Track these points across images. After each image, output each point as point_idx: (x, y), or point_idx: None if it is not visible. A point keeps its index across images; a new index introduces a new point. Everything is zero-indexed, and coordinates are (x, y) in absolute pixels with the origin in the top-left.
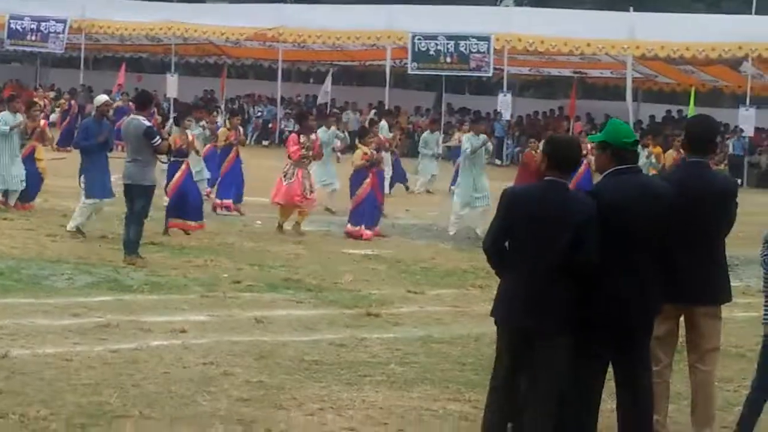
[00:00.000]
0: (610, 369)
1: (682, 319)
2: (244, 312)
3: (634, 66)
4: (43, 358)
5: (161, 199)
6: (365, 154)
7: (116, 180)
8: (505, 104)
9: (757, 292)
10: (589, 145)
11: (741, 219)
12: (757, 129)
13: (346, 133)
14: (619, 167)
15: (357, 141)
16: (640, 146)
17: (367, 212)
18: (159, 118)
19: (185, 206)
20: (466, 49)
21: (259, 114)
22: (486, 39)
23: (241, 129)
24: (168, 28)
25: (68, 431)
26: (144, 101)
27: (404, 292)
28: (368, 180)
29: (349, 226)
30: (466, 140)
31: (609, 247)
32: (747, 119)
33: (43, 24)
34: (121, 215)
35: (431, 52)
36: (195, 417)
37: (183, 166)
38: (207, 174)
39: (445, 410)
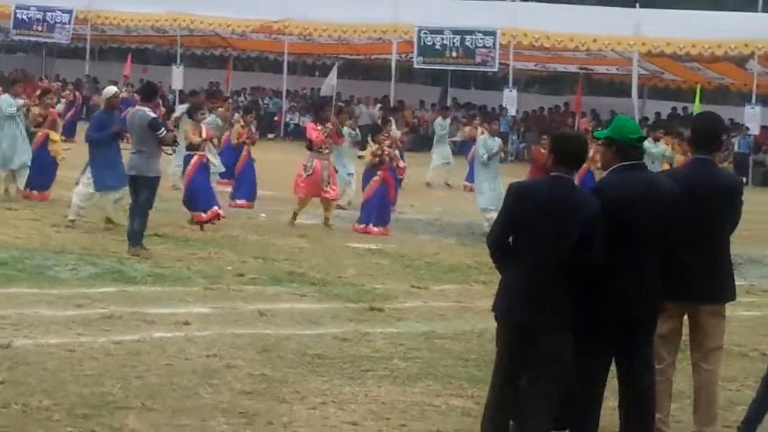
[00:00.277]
0: (613, 367)
1: (685, 317)
2: (247, 305)
3: (640, 62)
4: (46, 349)
5: (166, 191)
6: (375, 151)
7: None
8: (510, 100)
9: (761, 291)
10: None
11: (746, 217)
12: (762, 127)
13: (358, 130)
14: (624, 163)
15: (369, 138)
16: (652, 139)
17: (375, 209)
18: (164, 110)
19: (199, 199)
20: (472, 44)
21: (265, 107)
22: (492, 34)
23: (254, 128)
24: (174, 19)
25: (70, 421)
26: (149, 93)
27: (408, 287)
28: (377, 178)
29: (356, 224)
30: (482, 145)
31: (613, 244)
32: (753, 117)
33: (49, 14)
34: (126, 206)
35: (437, 47)
36: (197, 409)
37: (194, 159)
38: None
39: (447, 406)
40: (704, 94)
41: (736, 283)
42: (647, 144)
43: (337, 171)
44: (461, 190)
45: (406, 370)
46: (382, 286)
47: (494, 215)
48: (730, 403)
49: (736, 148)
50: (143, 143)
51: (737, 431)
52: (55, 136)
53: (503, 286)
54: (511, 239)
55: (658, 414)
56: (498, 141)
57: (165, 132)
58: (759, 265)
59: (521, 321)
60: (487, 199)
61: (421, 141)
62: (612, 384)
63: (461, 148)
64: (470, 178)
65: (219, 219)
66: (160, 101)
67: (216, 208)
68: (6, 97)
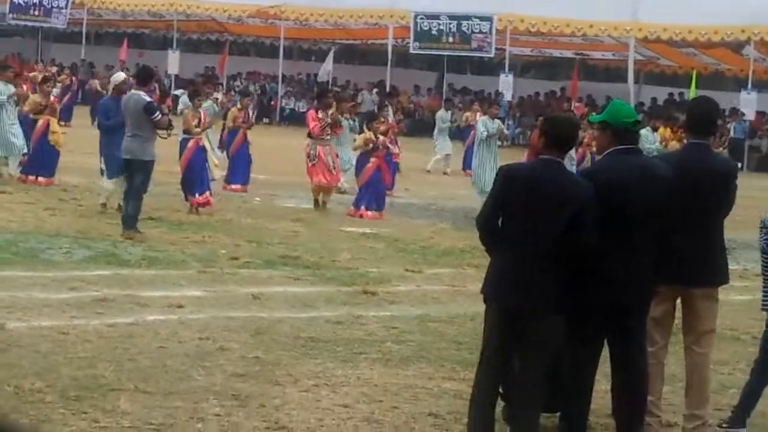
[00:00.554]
0: (605, 350)
1: (678, 301)
2: (241, 288)
3: (636, 48)
4: (40, 331)
5: (161, 175)
6: (368, 139)
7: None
8: (506, 85)
9: (753, 275)
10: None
11: (740, 202)
12: (758, 113)
13: (356, 120)
14: (619, 147)
15: (364, 125)
16: (649, 129)
17: (369, 194)
18: (159, 94)
19: (196, 183)
20: (468, 29)
21: (259, 91)
22: (488, 19)
23: (251, 112)
24: (170, 4)
25: (63, 403)
26: (145, 77)
27: (402, 270)
28: (370, 164)
29: (351, 208)
30: (482, 124)
31: (606, 227)
32: (748, 103)
33: None
34: (120, 190)
35: (433, 32)
36: (190, 391)
37: (191, 143)
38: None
39: (440, 388)
40: (700, 79)
41: (730, 267)
42: (645, 133)
43: (338, 156)
44: (458, 176)
45: (399, 353)
46: (375, 270)
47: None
48: (722, 387)
49: (731, 133)
50: (138, 127)
51: (731, 414)
52: (55, 125)
53: (492, 270)
54: (500, 222)
55: (650, 397)
56: (497, 123)
57: (160, 116)
58: (752, 250)
59: (509, 305)
60: (489, 181)
61: (416, 126)
62: (604, 367)
63: (460, 134)
64: (467, 164)
65: (209, 206)
66: (156, 86)
67: (208, 194)
68: None
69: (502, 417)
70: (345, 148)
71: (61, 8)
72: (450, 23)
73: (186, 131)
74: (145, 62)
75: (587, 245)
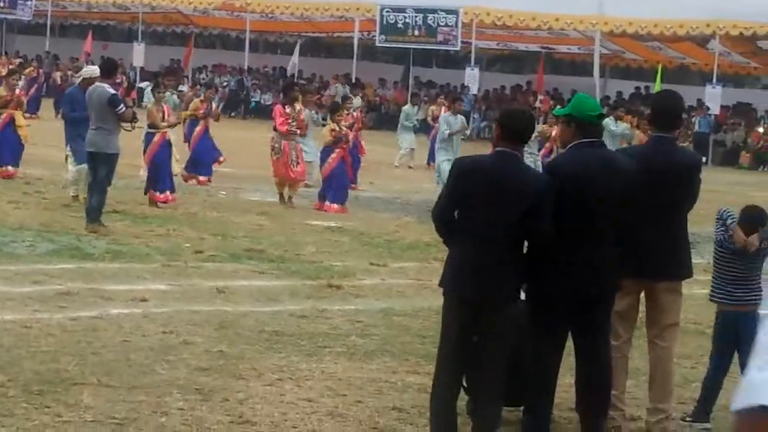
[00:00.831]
0: (570, 344)
1: (642, 294)
2: (205, 282)
3: (602, 42)
4: (2, 325)
5: (125, 168)
6: (333, 130)
7: None
8: (472, 78)
9: None
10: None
11: (705, 196)
12: (723, 107)
13: (320, 115)
14: (582, 140)
15: (329, 117)
16: (612, 118)
17: (333, 187)
18: (126, 85)
19: (160, 178)
20: (434, 22)
21: (225, 84)
22: (454, 12)
23: (214, 104)
24: None
25: (26, 398)
26: (109, 69)
27: (367, 264)
28: (334, 156)
29: (316, 202)
30: (444, 121)
31: (570, 219)
32: (713, 97)
33: None
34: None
35: (399, 25)
36: (153, 385)
37: (157, 137)
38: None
39: (404, 382)
40: (665, 73)
41: (694, 261)
42: (608, 122)
43: (304, 151)
44: (423, 170)
45: (363, 347)
46: (340, 264)
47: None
48: (685, 380)
49: (696, 127)
50: (103, 120)
51: (694, 408)
52: (20, 120)
53: (450, 262)
54: (457, 214)
55: (613, 390)
56: (460, 119)
57: (124, 108)
58: None
59: (468, 296)
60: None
61: (381, 119)
62: (569, 361)
63: (424, 128)
64: (432, 157)
65: (170, 202)
66: (123, 78)
67: (168, 193)
68: None
69: (466, 411)
70: (308, 140)
71: (27, 0)
72: (416, 16)
73: (151, 125)
74: (109, 55)
75: (545, 234)
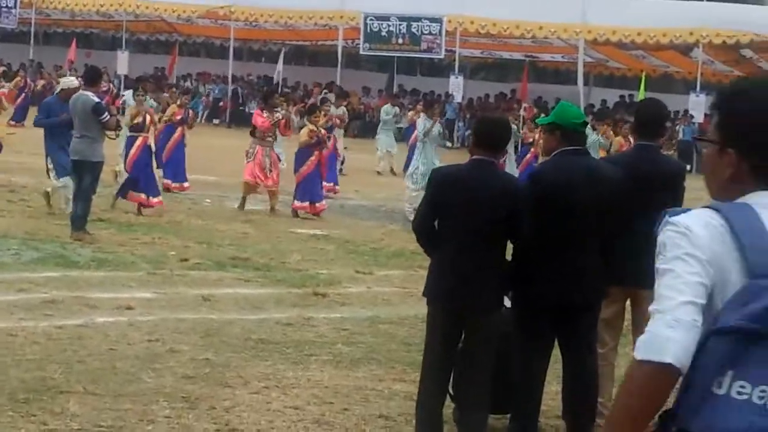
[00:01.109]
0: (556, 351)
1: (628, 302)
2: (190, 290)
3: (586, 50)
4: None
5: (110, 176)
6: (312, 131)
7: None
8: (456, 86)
9: None
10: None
11: (689, 204)
12: (707, 115)
13: (298, 118)
14: (567, 148)
15: (305, 118)
16: (590, 128)
17: (310, 188)
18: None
19: (142, 181)
20: (418, 31)
21: (209, 92)
22: (438, 21)
23: (191, 111)
24: (119, 4)
25: (11, 406)
26: (93, 77)
27: (352, 272)
28: (313, 158)
29: (296, 202)
30: (420, 123)
31: (554, 227)
32: (697, 105)
33: None
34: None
35: (383, 33)
36: (139, 394)
37: (139, 141)
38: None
39: (390, 390)
40: (649, 82)
41: None
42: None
43: (280, 160)
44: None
45: (349, 355)
46: (326, 272)
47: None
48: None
49: (680, 135)
50: (87, 128)
51: None
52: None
53: (433, 271)
54: (437, 224)
55: (600, 398)
56: (436, 126)
57: (108, 117)
58: None
59: (450, 305)
60: (415, 176)
61: (366, 127)
62: (555, 368)
63: (405, 134)
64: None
65: (159, 205)
66: (110, 86)
67: (154, 198)
68: None
69: (453, 418)
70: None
71: (11, 8)
72: (400, 24)
73: (133, 128)
74: (93, 63)
75: (524, 241)
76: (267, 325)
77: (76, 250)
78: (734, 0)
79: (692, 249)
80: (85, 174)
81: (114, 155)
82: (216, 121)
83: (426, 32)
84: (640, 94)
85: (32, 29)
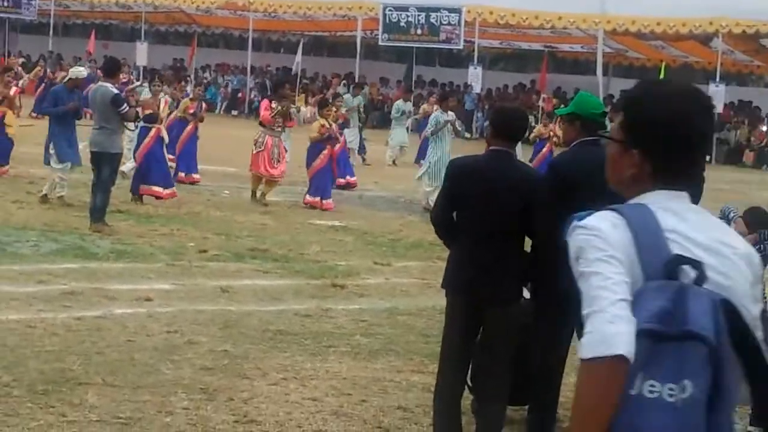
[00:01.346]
0: (575, 343)
1: None
2: (209, 281)
3: (605, 40)
4: (7, 325)
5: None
6: (323, 126)
7: (84, 147)
8: (475, 77)
9: None
10: (555, 126)
11: (708, 195)
12: (726, 105)
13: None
14: (586, 138)
15: (317, 113)
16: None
17: (322, 184)
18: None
19: (154, 172)
20: (436, 21)
21: (228, 83)
22: (457, 11)
23: (204, 104)
24: None
25: (30, 397)
26: (112, 68)
27: (370, 263)
28: (325, 152)
29: (308, 197)
30: (433, 118)
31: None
32: (717, 95)
33: None
34: (88, 183)
35: (402, 24)
36: (158, 385)
37: (152, 132)
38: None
39: (408, 381)
40: (668, 72)
41: None
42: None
43: (287, 150)
44: (411, 168)
45: (367, 346)
46: (344, 263)
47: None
48: None
49: None
50: (106, 120)
51: None
52: (11, 119)
53: (451, 261)
54: (455, 215)
55: None
56: (450, 116)
57: (127, 108)
58: None
59: (469, 296)
60: (429, 176)
61: (384, 119)
62: (573, 360)
63: (420, 127)
64: (421, 155)
65: (173, 197)
66: (131, 77)
67: (174, 189)
68: None
69: (471, 410)
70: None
71: (30, 0)
72: (419, 15)
73: (146, 119)
74: (112, 54)
75: (542, 233)
76: (285, 317)
77: (95, 242)
78: None
79: (611, 250)
80: (103, 165)
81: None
82: (234, 113)
83: (445, 22)
84: None
85: (51, 21)
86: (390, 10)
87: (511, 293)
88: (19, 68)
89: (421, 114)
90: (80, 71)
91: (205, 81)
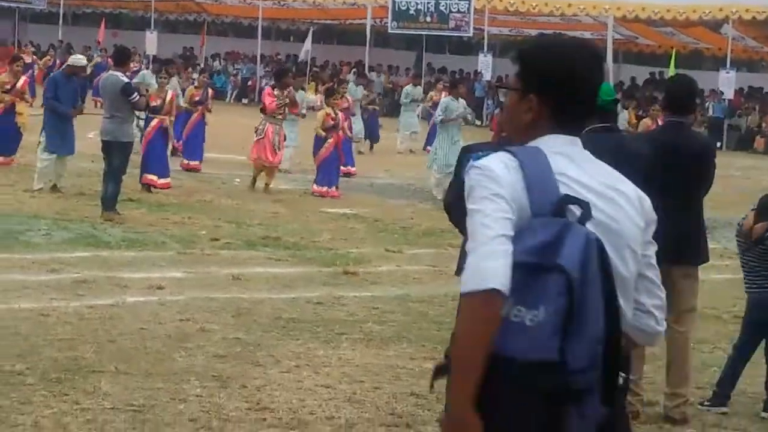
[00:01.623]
0: None
1: None
2: (221, 269)
3: (615, 27)
4: (20, 313)
5: (138, 156)
6: (328, 115)
7: (95, 136)
8: (485, 65)
9: (734, 254)
10: None
11: (719, 181)
12: (736, 91)
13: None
14: (597, 125)
15: (323, 101)
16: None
17: (321, 171)
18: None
19: (151, 161)
20: (446, 9)
21: (238, 72)
22: None
23: (210, 91)
24: None
25: (44, 385)
26: (122, 57)
27: (382, 251)
28: (331, 140)
29: (315, 186)
30: (442, 106)
31: None
32: (727, 82)
33: None
34: (100, 171)
35: (411, 11)
36: (170, 373)
37: (154, 122)
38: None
39: (421, 369)
40: (679, 58)
41: (710, 246)
42: None
43: (286, 138)
44: (422, 155)
45: (380, 334)
46: (356, 251)
47: (440, 177)
48: (703, 365)
49: (710, 112)
50: (116, 108)
51: (712, 393)
52: (22, 108)
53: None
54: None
55: (631, 375)
56: (462, 103)
57: (138, 97)
58: (732, 229)
59: None
60: (438, 164)
61: (394, 106)
62: None
63: (429, 114)
64: (429, 142)
65: (167, 188)
66: (141, 66)
67: (168, 180)
68: None
69: None
70: (293, 127)
71: None
72: (428, 3)
73: (152, 109)
74: (122, 43)
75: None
76: (297, 304)
77: (107, 230)
78: None
79: (497, 188)
80: (114, 154)
81: None
82: (245, 101)
83: (454, 10)
84: (671, 71)
85: (61, 10)
86: None
87: None
88: (33, 57)
89: (429, 101)
90: (79, 59)
91: (210, 69)
